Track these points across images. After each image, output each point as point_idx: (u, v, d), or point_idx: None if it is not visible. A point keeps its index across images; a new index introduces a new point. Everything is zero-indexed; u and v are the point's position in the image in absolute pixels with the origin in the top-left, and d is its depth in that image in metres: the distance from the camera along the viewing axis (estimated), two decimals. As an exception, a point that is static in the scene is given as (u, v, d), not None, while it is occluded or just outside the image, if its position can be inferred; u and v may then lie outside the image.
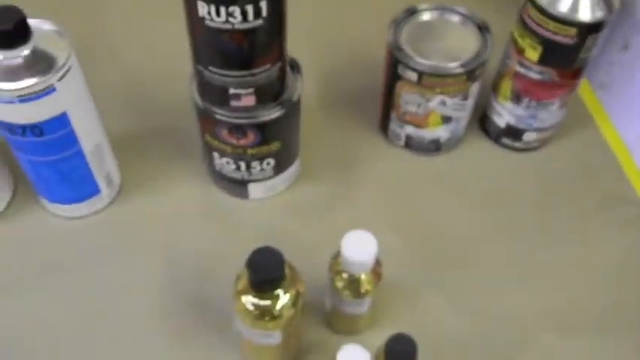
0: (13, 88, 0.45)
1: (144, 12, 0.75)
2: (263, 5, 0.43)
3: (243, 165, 0.55)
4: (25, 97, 0.45)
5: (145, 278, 0.54)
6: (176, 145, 0.63)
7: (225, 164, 0.56)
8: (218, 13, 0.43)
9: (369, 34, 0.68)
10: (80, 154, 0.52)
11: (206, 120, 0.53)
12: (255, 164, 0.55)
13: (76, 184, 0.54)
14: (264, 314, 0.42)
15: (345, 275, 0.46)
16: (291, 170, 0.59)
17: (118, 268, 0.55)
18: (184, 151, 0.62)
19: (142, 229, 0.57)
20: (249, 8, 0.43)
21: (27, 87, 0.45)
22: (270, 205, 0.59)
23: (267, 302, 0.42)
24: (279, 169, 0.57)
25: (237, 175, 0.57)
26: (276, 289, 0.41)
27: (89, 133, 0.52)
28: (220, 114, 0.51)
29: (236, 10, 0.42)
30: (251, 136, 0.52)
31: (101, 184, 0.56)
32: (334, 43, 0.73)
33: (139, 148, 0.62)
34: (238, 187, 0.58)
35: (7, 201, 0.58)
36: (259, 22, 0.44)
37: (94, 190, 0.56)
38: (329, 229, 0.57)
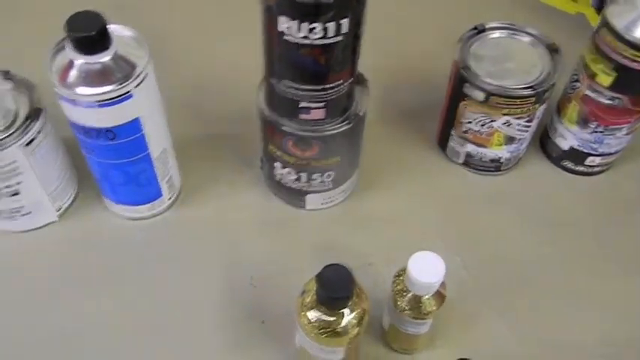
0: (92, 93, 0.46)
1: (210, 17, 0.75)
2: (344, 23, 0.43)
3: (304, 176, 0.56)
4: (104, 103, 0.46)
5: (203, 283, 0.55)
6: (235, 152, 0.63)
7: (286, 174, 0.56)
8: (299, 29, 0.43)
9: (431, 49, 0.68)
10: (148, 157, 0.53)
11: (272, 131, 0.53)
12: (316, 176, 0.56)
13: (141, 186, 0.55)
14: (329, 330, 0.42)
15: (408, 295, 0.46)
16: (350, 182, 0.59)
17: (176, 271, 0.55)
18: (243, 158, 0.63)
19: (199, 234, 0.58)
20: (331, 25, 0.43)
21: (106, 92, 0.46)
22: (327, 215, 0.60)
23: (334, 319, 0.42)
24: (338, 180, 0.57)
25: (296, 186, 0.57)
26: (344, 306, 0.42)
27: (158, 138, 0.53)
28: (288, 126, 0.51)
29: (318, 27, 0.43)
30: (316, 149, 0.53)
31: (163, 187, 0.57)
32: (396, 56, 0.72)
33: (198, 153, 0.63)
34: (296, 196, 0.59)
35: (71, 200, 0.59)
36: (339, 38, 0.44)
37: (157, 194, 0.57)
38: (384, 243, 0.57)
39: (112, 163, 0.52)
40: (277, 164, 0.56)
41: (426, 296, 0.46)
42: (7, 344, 0.51)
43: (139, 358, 0.51)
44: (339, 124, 0.51)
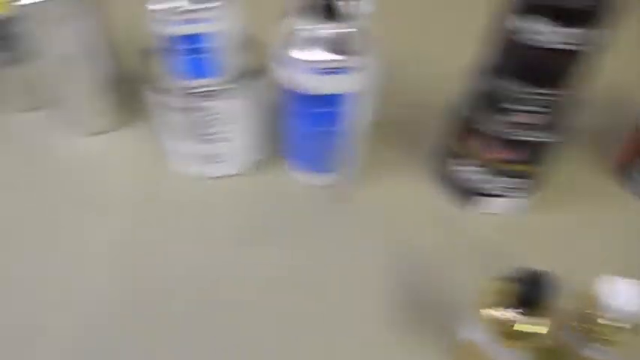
0: (319, 59, 0.48)
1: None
2: (594, 31, 0.42)
3: (486, 178, 0.55)
4: (329, 70, 0.49)
5: (364, 264, 0.56)
6: (414, 142, 0.64)
7: (466, 172, 0.56)
8: (539, 30, 0.43)
9: (624, 69, 0.65)
10: (343, 131, 0.55)
11: (465, 127, 0.53)
12: (499, 180, 0.55)
13: (327, 157, 0.57)
14: (517, 332, 0.42)
15: (598, 319, 0.44)
16: (527, 193, 0.58)
17: (340, 247, 0.57)
18: (418, 148, 0.64)
19: (368, 215, 0.59)
20: (579, 32, 0.42)
21: (333, 61, 0.48)
22: (494, 221, 0.59)
23: (528, 322, 0.42)
24: (518, 189, 0.57)
25: (474, 186, 0.57)
26: (542, 313, 0.41)
27: (360, 115, 0.54)
28: (489, 126, 0.51)
29: (562, 31, 0.42)
30: (511, 153, 0.52)
31: (347, 162, 0.59)
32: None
33: (377, 137, 0.64)
34: (467, 196, 0.58)
35: (261, 157, 0.62)
36: (581, 46, 0.43)
37: (338, 167, 0.59)
38: (552, 262, 0.55)
39: (310, 130, 0.55)
40: (459, 161, 0.56)
41: (620, 324, 0.44)
42: (190, 282, 0.54)
43: (291, 316, 0.52)
44: (545, 133, 0.51)
